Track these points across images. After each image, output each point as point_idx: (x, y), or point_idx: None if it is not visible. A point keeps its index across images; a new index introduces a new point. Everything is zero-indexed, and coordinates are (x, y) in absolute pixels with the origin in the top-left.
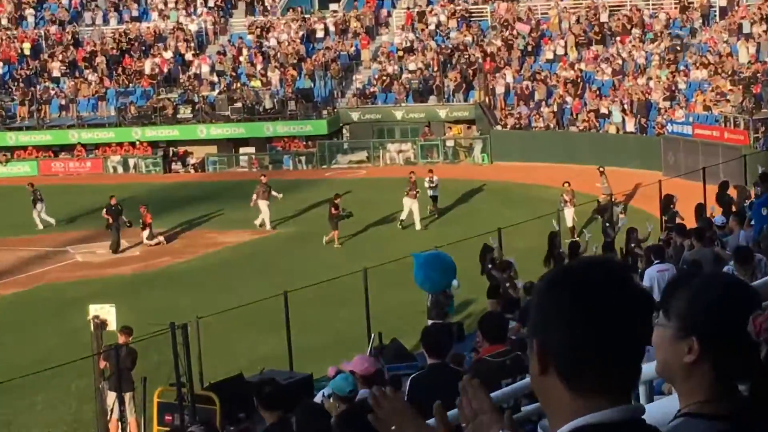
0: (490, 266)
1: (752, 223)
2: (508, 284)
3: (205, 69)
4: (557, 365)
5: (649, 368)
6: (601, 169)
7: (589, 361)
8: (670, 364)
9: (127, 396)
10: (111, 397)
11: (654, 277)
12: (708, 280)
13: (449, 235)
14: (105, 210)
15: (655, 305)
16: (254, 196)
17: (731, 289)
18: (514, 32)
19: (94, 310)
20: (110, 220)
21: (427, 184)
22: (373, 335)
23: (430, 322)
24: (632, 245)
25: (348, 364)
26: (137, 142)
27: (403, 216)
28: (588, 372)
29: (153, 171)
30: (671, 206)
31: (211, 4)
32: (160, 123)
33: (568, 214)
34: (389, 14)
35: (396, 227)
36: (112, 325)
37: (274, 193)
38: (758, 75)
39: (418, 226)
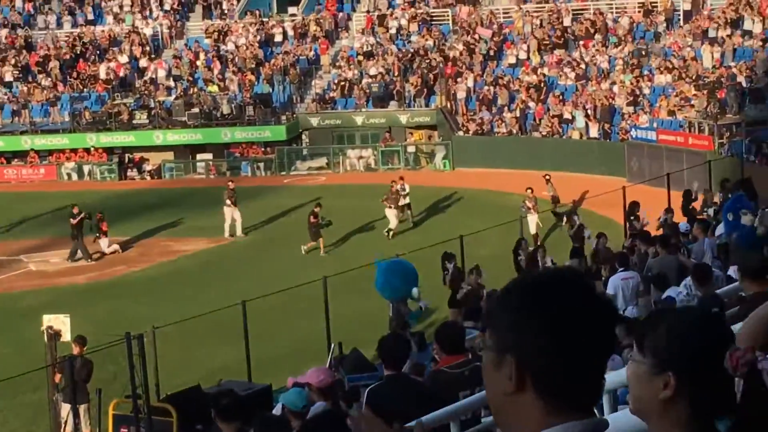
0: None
1: (717, 232)
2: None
3: (162, 74)
4: (536, 382)
5: (613, 378)
6: (548, 177)
7: (565, 376)
8: (645, 401)
9: (82, 408)
10: (65, 409)
11: (618, 285)
12: (684, 315)
13: (410, 242)
14: (71, 219)
15: (618, 316)
16: (228, 202)
17: (707, 324)
18: (476, 36)
19: (48, 320)
20: (74, 229)
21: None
22: (333, 345)
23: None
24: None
25: (303, 377)
26: (92, 149)
27: (392, 225)
28: (563, 387)
29: (108, 178)
30: (637, 214)
31: (167, 7)
32: (115, 129)
33: (532, 220)
34: (349, 18)
35: (357, 235)
36: (67, 336)
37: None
38: (723, 80)
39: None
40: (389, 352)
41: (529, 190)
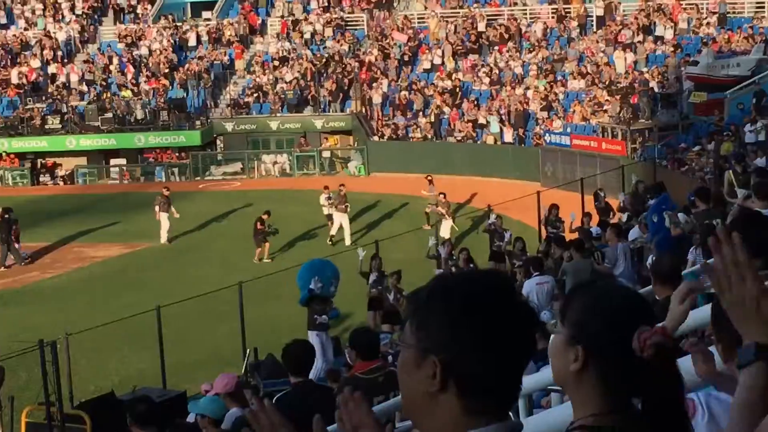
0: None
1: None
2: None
3: (74, 78)
4: (459, 383)
5: (529, 381)
6: (429, 178)
7: (488, 378)
8: (559, 371)
9: None
10: None
11: (533, 289)
12: (603, 290)
13: (324, 248)
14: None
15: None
16: (156, 208)
17: (621, 301)
18: (391, 42)
19: None
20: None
21: (323, 201)
22: (248, 351)
23: (309, 332)
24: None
25: (210, 388)
26: (4, 154)
27: (333, 231)
28: (485, 389)
29: (20, 183)
30: (554, 216)
31: (79, 11)
32: (27, 134)
33: (446, 225)
34: (264, 23)
35: (274, 240)
36: None
37: (172, 209)
38: (635, 85)
39: (348, 241)
40: (294, 360)
41: (441, 195)
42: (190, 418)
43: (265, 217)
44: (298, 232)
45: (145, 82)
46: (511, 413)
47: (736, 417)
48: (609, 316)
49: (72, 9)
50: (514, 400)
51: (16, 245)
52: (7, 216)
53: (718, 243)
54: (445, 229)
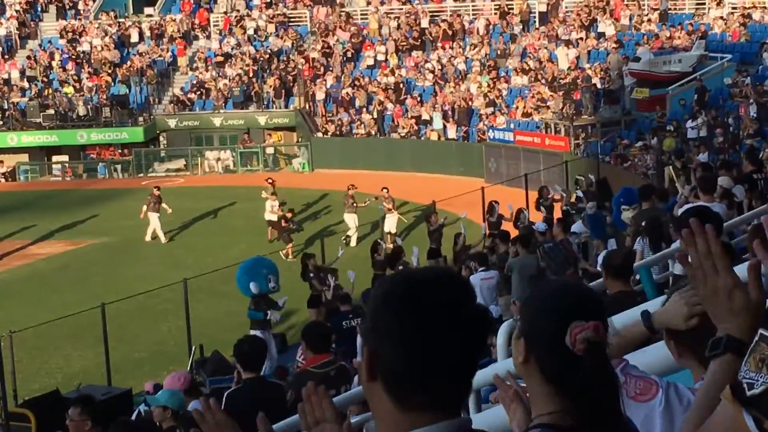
0: (311, 275)
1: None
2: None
3: (15, 74)
4: (385, 380)
5: (478, 377)
6: (271, 180)
7: (420, 380)
8: (513, 364)
9: None
10: None
11: (478, 285)
12: (547, 284)
13: (269, 245)
14: None
15: (490, 320)
16: (144, 207)
17: (561, 295)
18: (334, 38)
19: None
20: None
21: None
22: (194, 347)
23: (254, 331)
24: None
25: (152, 387)
26: None
27: (351, 233)
28: (418, 390)
29: None
30: (496, 212)
31: (18, 7)
32: None
33: (391, 220)
34: (207, 19)
35: (217, 237)
36: None
37: (164, 206)
38: (578, 81)
39: (353, 242)
40: (246, 355)
41: (384, 190)
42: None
43: (289, 214)
44: (242, 228)
45: (87, 78)
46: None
47: (696, 405)
48: (552, 310)
49: (12, 4)
50: (459, 398)
51: None
52: None
53: (691, 235)
54: (391, 224)
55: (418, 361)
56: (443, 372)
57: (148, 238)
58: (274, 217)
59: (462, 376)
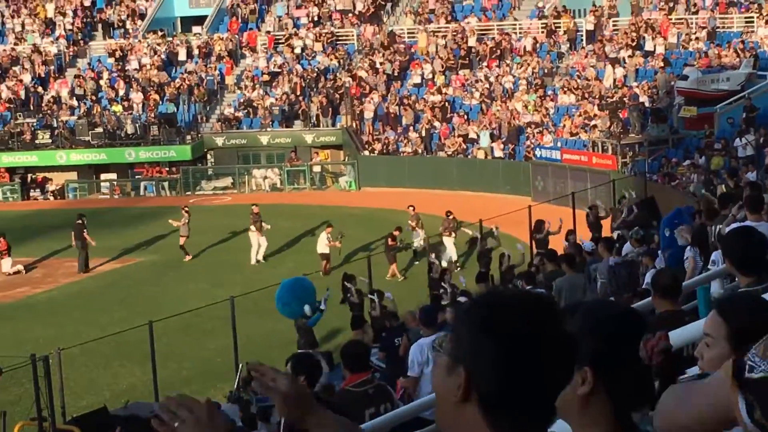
0: (349, 296)
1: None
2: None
3: (65, 93)
4: (481, 399)
5: None
6: (256, 208)
7: (517, 401)
8: (564, 398)
9: None
10: None
11: None
12: (593, 309)
13: (316, 263)
14: None
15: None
16: (252, 228)
17: (619, 316)
18: (381, 56)
19: None
20: None
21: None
22: (241, 365)
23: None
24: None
25: None
26: None
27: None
28: (514, 411)
29: (11, 198)
30: (543, 229)
31: (69, 26)
32: (17, 149)
33: (417, 237)
34: (254, 38)
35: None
36: None
37: (264, 224)
38: (625, 99)
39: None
40: (299, 372)
41: (411, 208)
42: None
43: (396, 233)
44: (289, 246)
45: (135, 96)
46: None
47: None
48: (609, 331)
49: (62, 25)
50: (549, 418)
51: (6, 259)
52: (80, 221)
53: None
54: (418, 240)
55: (515, 383)
56: (538, 394)
57: (252, 260)
58: (327, 250)
59: (550, 399)
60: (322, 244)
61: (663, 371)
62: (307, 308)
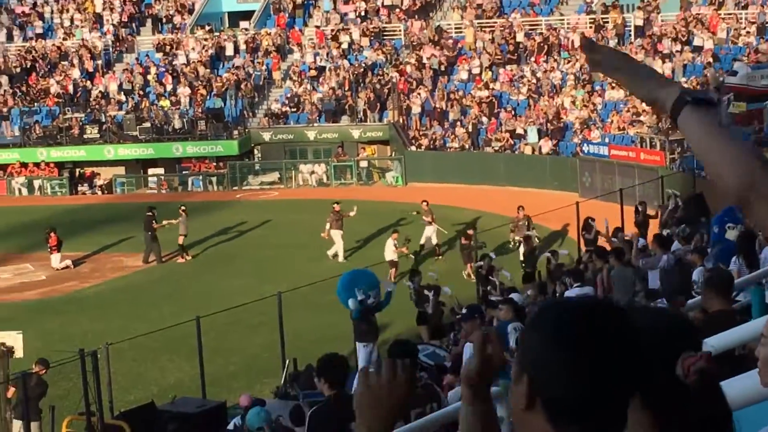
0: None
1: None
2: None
3: (113, 88)
4: (548, 409)
5: None
6: (337, 206)
7: (576, 406)
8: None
9: (34, 425)
10: (16, 426)
11: None
12: (645, 316)
13: (367, 257)
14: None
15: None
16: (327, 226)
17: (668, 327)
18: (428, 51)
19: (0, 336)
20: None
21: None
22: (288, 361)
23: (357, 344)
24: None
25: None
26: (42, 163)
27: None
28: (582, 418)
29: (59, 192)
30: (593, 229)
31: (117, 20)
32: (66, 143)
33: (429, 231)
34: (301, 32)
35: (310, 251)
36: (20, 352)
37: (351, 213)
38: None
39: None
40: (328, 371)
41: (424, 203)
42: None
43: (470, 232)
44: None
45: (182, 91)
46: None
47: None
48: (655, 343)
49: (110, 19)
50: (618, 426)
51: (55, 254)
52: (151, 213)
53: (591, 49)
54: (430, 235)
55: (579, 389)
56: (605, 401)
57: (332, 256)
58: (395, 257)
59: (621, 406)
60: (390, 251)
61: (697, 391)
62: (351, 302)
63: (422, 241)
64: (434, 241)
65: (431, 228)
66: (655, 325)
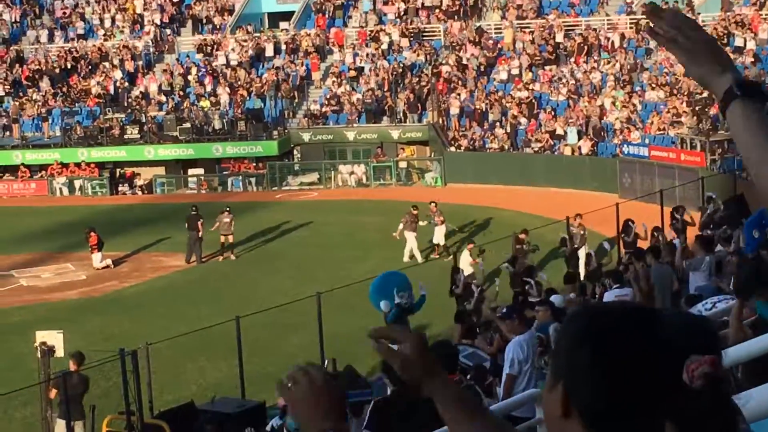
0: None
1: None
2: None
3: (153, 88)
4: (582, 414)
5: None
6: (414, 210)
7: (616, 414)
8: None
9: (78, 425)
10: (60, 425)
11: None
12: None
13: (401, 259)
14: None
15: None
16: (400, 226)
17: (683, 330)
18: (468, 52)
19: (41, 336)
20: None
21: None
22: (327, 361)
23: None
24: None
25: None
26: (83, 163)
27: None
28: (614, 424)
29: (99, 193)
30: (632, 232)
31: (157, 21)
32: (106, 143)
33: (439, 231)
34: (341, 33)
35: (350, 251)
36: (60, 352)
37: (421, 222)
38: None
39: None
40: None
41: (432, 204)
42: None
43: (522, 236)
44: (374, 242)
45: (222, 92)
46: None
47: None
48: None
49: (151, 20)
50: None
51: (96, 254)
52: (193, 212)
53: (655, 15)
54: (439, 235)
55: (614, 396)
56: (640, 407)
57: (406, 258)
58: (470, 269)
59: (661, 411)
60: (466, 262)
61: (703, 397)
62: (383, 304)
63: (435, 241)
64: (441, 241)
65: (441, 228)
66: (677, 332)
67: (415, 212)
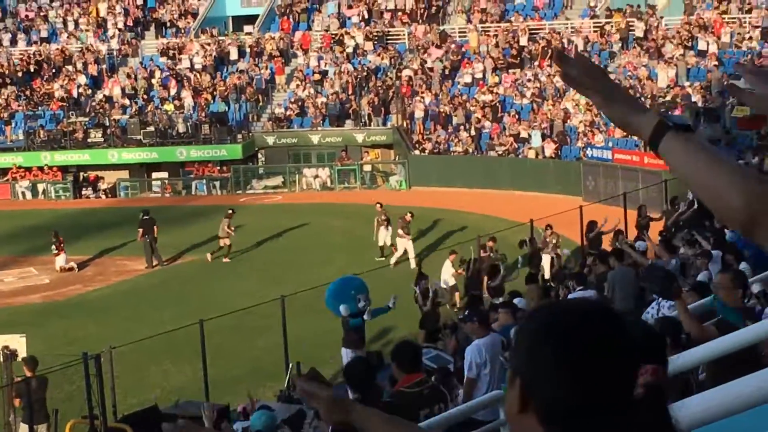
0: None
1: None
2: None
3: (117, 92)
4: (539, 410)
5: None
6: (408, 216)
7: (572, 412)
8: None
9: (41, 428)
10: (23, 430)
11: None
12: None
13: (366, 262)
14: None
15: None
16: (399, 231)
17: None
18: (432, 56)
19: (4, 340)
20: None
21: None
22: (291, 365)
23: (343, 350)
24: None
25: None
26: (46, 167)
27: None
28: (569, 421)
29: (63, 196)
30: (595, 228)
31: (121, 25)
32: (69, 147)
33: (384, 233)
34: (305, 36)
35: (314, 255)
36: (23, 356)
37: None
38: (678, 99)
39: (413, 264)
40: (354, 377)
41: (378, 205)
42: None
43: (490, 244)
44: (339, 245)
45: (186, 95)
46: None
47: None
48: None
49: (114, 23)
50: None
51: (61, 256)
52: (146, 216)
53: (561, 60)
54: (385, 237)
55: (571, 393)
56: (597, 406)
57: (392, 261)
58: (453, 281)
59: (619, 408)
60: (448, 273)
61: (642, 406)
62: (342, 308)
63: (387, 242)
64: (388, 241)
65: (385, 231)
66: (635, 335)
67: (409, 218)
